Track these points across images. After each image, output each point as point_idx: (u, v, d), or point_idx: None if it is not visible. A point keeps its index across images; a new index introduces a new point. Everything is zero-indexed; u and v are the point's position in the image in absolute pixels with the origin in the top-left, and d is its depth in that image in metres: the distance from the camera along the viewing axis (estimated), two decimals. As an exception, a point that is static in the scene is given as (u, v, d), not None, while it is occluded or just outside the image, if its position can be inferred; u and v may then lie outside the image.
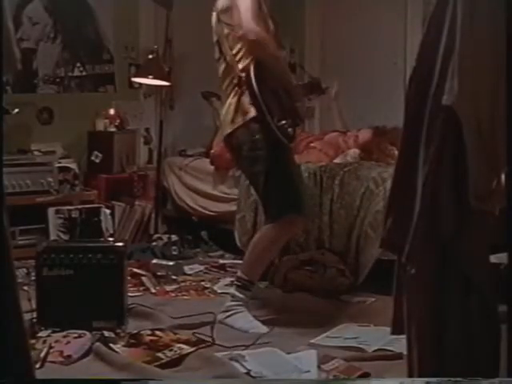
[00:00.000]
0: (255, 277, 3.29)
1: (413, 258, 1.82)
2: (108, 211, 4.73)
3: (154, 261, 4.29)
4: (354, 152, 4.38)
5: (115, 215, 4.81)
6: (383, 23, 5.05)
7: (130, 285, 3.62)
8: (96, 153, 5.02)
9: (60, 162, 4.74)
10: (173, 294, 3.75)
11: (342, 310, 3.45)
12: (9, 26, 4.76)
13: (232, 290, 3.30)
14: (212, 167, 4.76)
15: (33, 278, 3.40)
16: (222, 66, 3.31)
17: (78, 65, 5.13)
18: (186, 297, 3.73)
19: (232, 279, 3.93)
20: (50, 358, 2.75)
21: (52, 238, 4.44)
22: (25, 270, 3.87)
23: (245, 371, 2.62)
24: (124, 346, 2.88)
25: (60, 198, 4.61)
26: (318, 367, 2.68)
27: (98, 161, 5.02)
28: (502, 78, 1.72)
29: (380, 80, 5.07)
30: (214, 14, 3.31)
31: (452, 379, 1.70)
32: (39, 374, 2.31)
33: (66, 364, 2.74)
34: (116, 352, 2.81)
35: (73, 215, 4.59)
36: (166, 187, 5.15)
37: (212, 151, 4.72)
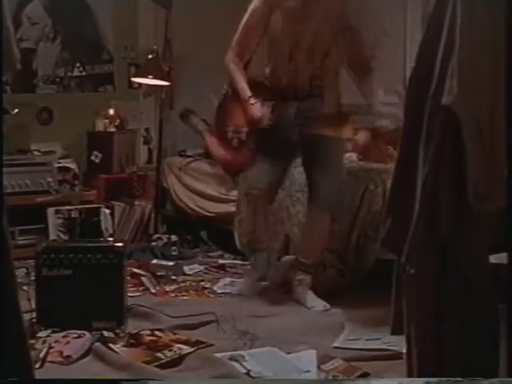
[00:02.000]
0: None
1: (412, 257, 1.82)
2: (108, 211, 4.73)
3: (154, 261, 4.29)
4: (350, 156, 4.37)
5: (115, 215, 4.82)
6: (383, 23, 5.04)
7: (129, 285, 3.61)
8: (96, 153, 5.02)
9: (60, 162, 4.74)
10: (172, 294, 3.75)
11: (342, 310, 3.44)
12: (8, 26, 4.76)
13: None
14: (210, 169, 4.75)
15: (32, 278, 3.40)
16: None
17: (78, 65, 5.14)
18: (185, 297, 3.73)
19: (232, 279, 3.94)
20: (49, 358, 2.76)
21: (52, 238, 4.45)
22: (24, 269, 3.87)
23: (244, 371, 2.62)
24: (124, 346, 2.88)
25: (60, 198, 4.61)
26: (318, 367, 2.68)
27: (97, 161, 5.02)
28: (502, 77, 1.72)
29: (379, 80, 5.06)
30: None
31: (452, 379, 1.70)
32: (39, 374, 2.31)
33: (65, 364, 2.74)
34: (116, 352, 2.82)
35: (72, 215, 4.59)
36: (165, 187, 5.15)
37: (222, 159, 4.61)
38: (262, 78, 3.58)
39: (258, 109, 3.47)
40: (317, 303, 3.53)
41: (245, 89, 3.51)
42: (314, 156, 3.57)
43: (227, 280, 4.00)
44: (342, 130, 3.62)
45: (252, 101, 3.47)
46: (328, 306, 3.50)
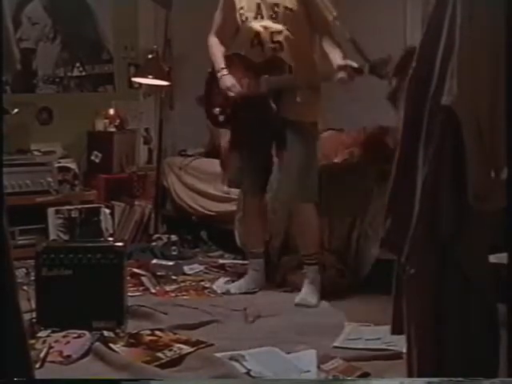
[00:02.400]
0: None
1: (412, 258, 1.82)
2: (108, 211, 4.74)
3: (154, 261, 4.29)
4: (351, 151, 4.38)
5: (115, 215, 4.82)
6: (382, 23, 5.04)
7: (129, 285, 3.62)
8: (96, 153, 5.02)
9: (60, 162, 4.74)
10: (172, 294, 3.75)
11: (342, 310, 3.44)
12: (8, 25, 4.76)
13: None
14: (219, 169, 4.74)
15: (32, 277, 3.40)
16: None
17: (78, 65, 5.14)
18: (185, 297, 3.72)
19: (233, 279, 3.94)
20: (49, 358, 2.75)
21: (52, 237, 4.45)
22: (24, 269, 3.87)
23: (245, 371, 2.62)
24: (124, 345, 2.88)
25: (60, 198, 4.61)
26: (318, 367, 2.68)
27: (97, 161, 5.02)
28: (502, 77, 1.72)
29: (379, 80, 5.05)
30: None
31: (453, 379, 1.70)
32: (39, 374, 2.31)
33: (65, 364, 2.74)
34: (116, 352, 2.81)
35: (72, 215, 4.59)
36: (165, 187, 5.15)
37: (223, 152, 4.67)
38: (240, 52, 3.67)
39: (227, 79, 3.60)
40: (305, 298, 3.55)
41: (218, 62, 3.68)
42: (285, 145, 3.59)
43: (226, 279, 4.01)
44: (313, 111, 3.62)
45: (224, 72, 3.61)
46: (313, 303, 3.52)
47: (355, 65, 3.21)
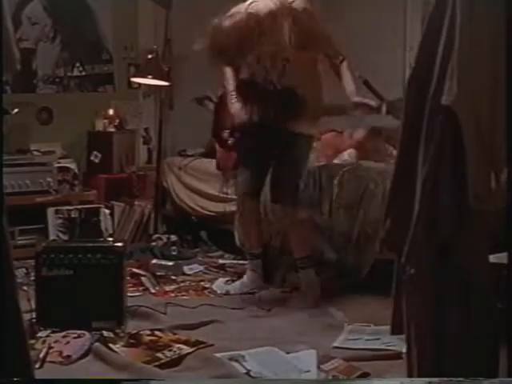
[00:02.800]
0: None
1: (412, 258, 1.82)
2: (107, 211, 4.74)
3: (154, 261, 4.29)
4: (351, 152, 4.38)
5: (114, 215, 4.82)
6: (382, 23, 5.04)
7: (129, 285, 3.62)
8: (95, 153, 5.03)
9: (59, 162, 4.75)
10: (172, 294, 3.75)
11: (342, 310, 3.44)
12: (8, 26, 4.75)
13: None
14: (215, 169, 4.75)
15: (32, 278, 3.40)
16: None
17: (78, 65, 5.14)
18: (185, 297, 3.72)
19: (233, 278, 3.94)
20: (49, 358, 2.75)
21: (51, 238, 4.45)
22: (24, 269, 3.87)
23: (244, 371, 2.62)
24: (123, 346, 2.88)
25: (59, 198, 4.61)
26: (318, 367, 2.68)
27: (97, 161, 5.02)
28: (502, 77, 1.72)
29: (379, 80, 5.06)
30: None
31: (453, 379, 1.70)
32: (39, 374, 2.30)
33: (65, 364, 2.74)
34: (115, 352, 2.82)
35: (72, 215, 4.59)
36: (165, 187, 5.15)
37: (218, 154, 4.69)
38: (248, 78, 3.65)
39: (233, 105, 3.63)
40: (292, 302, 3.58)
41: (229, 87, 3.68)
42: (282, 153, 3.63)
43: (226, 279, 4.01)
44: (311, 124, 3.66)
45: (232, 99, 3.64)
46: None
47: (373, 104, 3.29)
